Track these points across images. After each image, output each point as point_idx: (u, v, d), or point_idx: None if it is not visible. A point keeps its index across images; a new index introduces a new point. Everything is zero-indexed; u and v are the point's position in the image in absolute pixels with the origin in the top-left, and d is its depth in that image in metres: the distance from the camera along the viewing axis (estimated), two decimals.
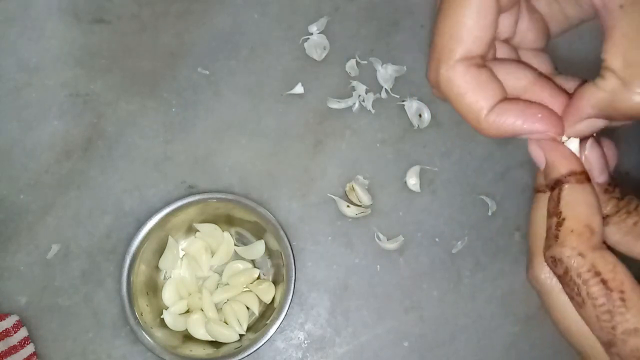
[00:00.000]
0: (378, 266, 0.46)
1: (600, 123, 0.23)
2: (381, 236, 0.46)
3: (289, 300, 0.42)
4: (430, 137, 0.48)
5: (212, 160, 0.47)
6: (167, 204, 0.43)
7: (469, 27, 0.22)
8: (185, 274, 0.45)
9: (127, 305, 0.42)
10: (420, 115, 0.48)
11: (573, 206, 0.23)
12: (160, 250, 0.45)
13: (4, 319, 0.42)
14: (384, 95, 0.49)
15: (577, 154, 0.24)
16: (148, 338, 0.41)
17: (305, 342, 0.45)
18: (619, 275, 0.22)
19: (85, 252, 0.45)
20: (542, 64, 0.26)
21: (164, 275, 0.46)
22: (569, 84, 0.25)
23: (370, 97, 0.48)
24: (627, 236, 0.24)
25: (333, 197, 0.47)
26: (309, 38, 0.49)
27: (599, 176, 0.24)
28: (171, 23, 0.49)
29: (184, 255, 0.46)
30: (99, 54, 0.48)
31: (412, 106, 0.48)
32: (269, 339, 0.41)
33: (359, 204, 0.47)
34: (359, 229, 0.47)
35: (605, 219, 0.24)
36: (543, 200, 0.25)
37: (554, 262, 0.23)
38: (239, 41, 0.49)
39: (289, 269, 0.43)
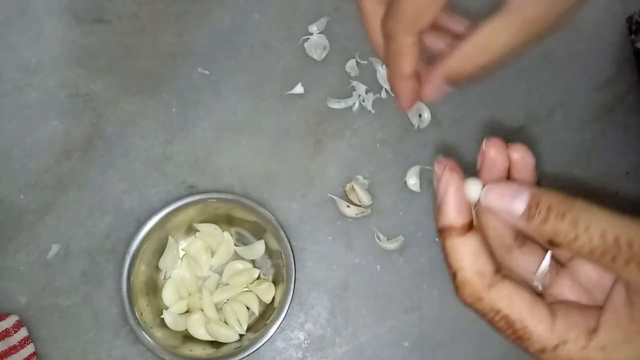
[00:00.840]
0: (378, 266, 0.46)
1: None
2: (381, 236, 0.46)
3: (289, 300, 0.42)
4: (430, 137, 0.48)
5: (212, 160, 0.47)
6: (167, 204, 0.43)
7: (431, 8, 0.28)
8: (185, 274, 0.45)
9: (127, 305, 0.42)
10: (420, 115, 0.48)
11: (458, 258, 0.25)
12: (160, 250, 0.45)
13: (4, 319, 0.42)
14: (384, 95, 0.49)
15: (475, 195, 0.25)
16: (148, 338, 0.41)
17: (305, 342, 0.45)
18: (516, 305, 0.24)
19: (85, 252, 0.45)
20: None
21: (164, 275, 0.46)
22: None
23: (370, 97, 0.48)
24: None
25: (333, 197, 0.47)
26: (309, 38, 0.49)
27: (515, 207, 0.24)
28: (171, 23, 0.49)
29: (184, 255, 0.46)
30: (99, 54, 0.48)
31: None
32: (269, 339, 0.41)
33: (358, 204, 0.47)
34: (359, 229, 0.47)
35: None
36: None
37: (466, 306, 0.25)
38: (239, 41, 0.49)
39: (289, 269, 0.43)
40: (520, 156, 0.28)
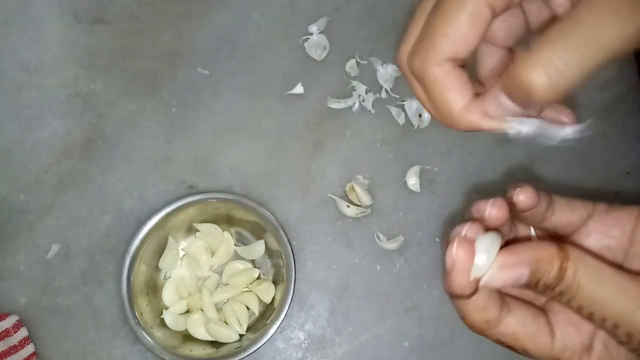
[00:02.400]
0: (378, 266, 0.46)
1: (510, 104, 0.24)
2: (381, 236, 0.46)
3: (289, 300, 0.42)
4: (430, 137, 0.48)
5: (212, 160, 0.47)
6: (167, 204, 0.43)
7: (463, 31, 0.23)
8: (185, 274, 0.45)
9: (127, 305, 0.42)
10: (420, 115, 0.48)
11: (466, 313, 0.27)
12: (160, 250, 0.45)
13: (4, 319, 0.42)
14: (384, 95, 0.49)
15: (481, 272, 0.25)
16: (148, 338, 0.41)
17: (305, 342, 0.45)
18: (518, 335, 0.27)
19: (85, 252, 0.45)
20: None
21: (164, 275, 0.46)
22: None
23: (370, 97, 0.48)
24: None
25: (333, 197, 0.47)
26: (309, 38, 0.49)
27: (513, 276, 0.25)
28: (171, 23, 0.49)
29: (184, 255, 0.46)
30: (99, 54, 0.48)
31: (412, 106, 0.48)
32: (269, 339, 0.41)
33: (358, 204, 0.47)
34: (359, 229, 0.47)
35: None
36: None
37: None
38: (239, 41, 0.49)
39: (289, 269, 0.43)
40: (525, 198, 0.28)
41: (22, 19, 0.48)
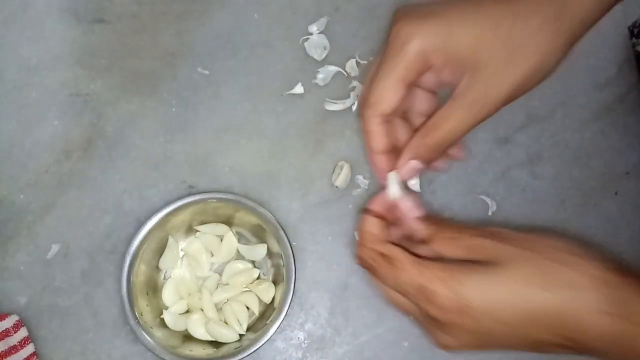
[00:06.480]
0: None
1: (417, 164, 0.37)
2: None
3: (289, 300, 0.42)
4: None
5: (212, 160, 0.47)
6: (167, 204, 0.43)
7: (388, 98, 0.36)
8: (185, 274, 0.45)
9: (127, 305, 0.42)
10: None
11: (363, 224, 0.37)
12: (160, 250, 0.45)
13: (4, 319, 0.42)
14: None
15: (394, 194, 0.38)
16: (148, 338, 0.41)
17: (305, 342, 0.45)
18: (393, 250, 0.35)
19: (85, 252, 0.45)
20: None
21: (164, 275, 0.46)
22: None
23: None
24: (447, 248, 0.35)
25: (333, 191, 0.47)
26: (309, 38, 0.49)
27: (414, 213, 0.37)
28: (171, 23, 0.49)
29: (184, 255, 0.46)
30: (99, 54, 0.48)
31: None
32: (269, 339, 0.41)
33: (335, 185, 0.46)
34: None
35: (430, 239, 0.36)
36: None
37: (360, 260, 0.37)
38: (239, 41, 0.49)
39: (289, 269, 0.43)
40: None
41: (22, 19, 0.48)
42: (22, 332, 0.43)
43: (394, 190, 0.37)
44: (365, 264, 0.36)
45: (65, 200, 0.46)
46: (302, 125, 0.48)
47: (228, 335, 0.43)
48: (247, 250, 0.46)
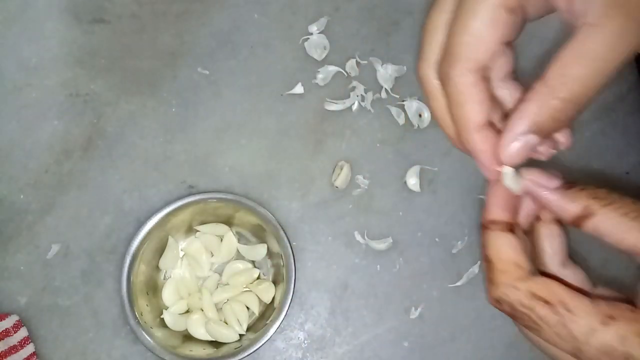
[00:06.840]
0: (378, 266, 0.46)
1: (532, 139, 0.25)
2: (366, 237, 0.46)
3: (289, 300, 0.42)
4: (430, 137, 0.48)
5: (212, 160, 0.47)
6: (167, 204, 0.43)
7: (485, 39, 0.24)
8: (185, 274, 0.45)
9: (127, 305, 0.42)
10: (420, 115, 0.48)
11: (497, 250, 0.25)
12: (160, 250, 0.45)
13: (4, 319, 0.42)
14: (383, 95, 0.49)
15: (514, 183, 0.26)
16: (148, 338, 0.41)
17: (305, 342, 0.45)
18: (555, 289, 0.23)
19: (85, 252, 0.45)
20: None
21: (164, 275, 0.46)
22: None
23: (370, 97, 0.48)
24: (617, 227, 0.24)
25: (334, 193, 0.47)
26: (309, 38, 0.49)
27: (551, 183, 0.26)
28: (171, 23, 0.49)
29: (184, 255, 0.46)
30: (99, 54, 0.48)
31: (412, 106, 0.48)
32: (269, 339, 0.41)
33: (335, 185, 0.46)
34: (359, 229, 0.47)
35: (587, 213, 0.25)
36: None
37: (498, 303, 0.25)
38: (239, 41, 0.49)
39: (289, 269, 0.43)
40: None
41: (22, 19, 0.48)
42: (22, 332, 0.43)
43: (513, 184, 0.26)
44: (509, 310, 0.25)
45: (65, 200, 0.46)
46: (302, 125, 0.48)
47: (228, 335, 0.43)
48: (247, 250, 0.46)
